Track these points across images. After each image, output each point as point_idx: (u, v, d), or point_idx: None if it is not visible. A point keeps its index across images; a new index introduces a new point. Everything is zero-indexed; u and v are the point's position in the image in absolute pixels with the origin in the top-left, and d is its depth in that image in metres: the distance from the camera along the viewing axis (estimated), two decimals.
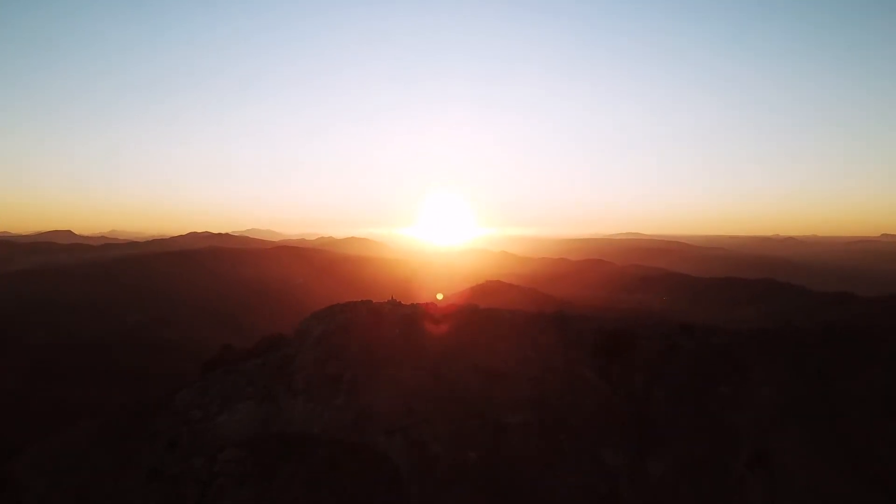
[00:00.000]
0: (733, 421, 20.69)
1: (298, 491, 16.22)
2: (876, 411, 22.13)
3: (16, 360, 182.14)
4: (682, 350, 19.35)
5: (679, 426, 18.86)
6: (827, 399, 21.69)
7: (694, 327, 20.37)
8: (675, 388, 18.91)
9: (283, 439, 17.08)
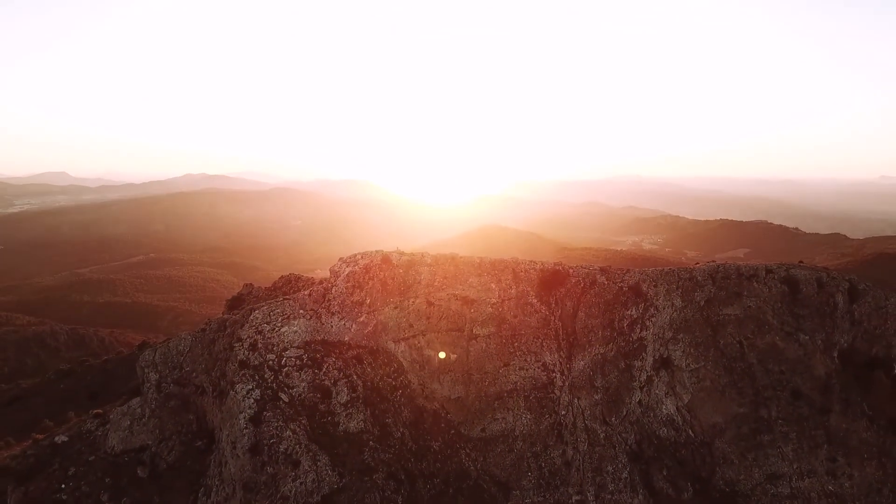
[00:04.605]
0: (640, 335, 28.91)
1: (337, 375, 24.67)
2: (748, 330, 30.43)
3: (24, 296, 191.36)
4: (599, 284, 27.33)
5: (595, 337, 27.15)
6: (710, 321, 29.88)
7: (610, 269, 28.20)
8: (593, 311, 27.05)
9: (325, 343, 25.37)
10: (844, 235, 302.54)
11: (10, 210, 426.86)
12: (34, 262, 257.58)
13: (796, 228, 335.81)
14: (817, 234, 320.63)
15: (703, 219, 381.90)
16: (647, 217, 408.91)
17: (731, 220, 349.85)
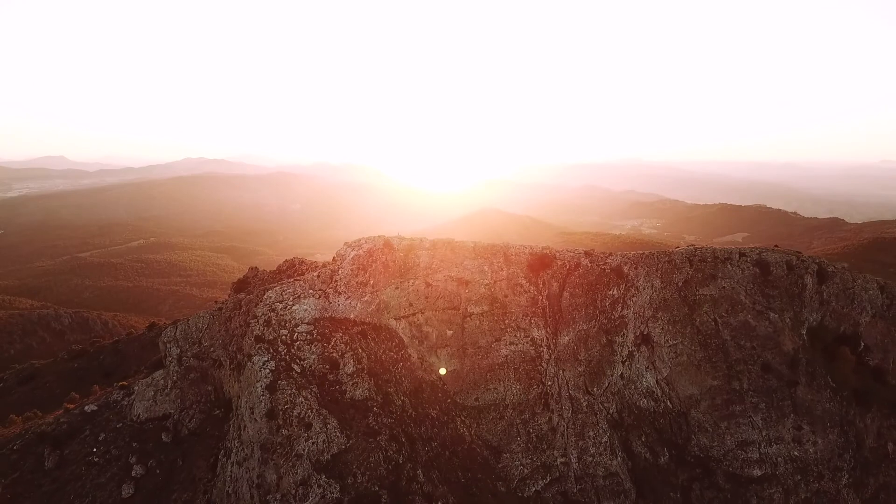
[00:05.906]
0: (622, 314, 31.37)
1: (343, 348, 27.13)
2: (722, 309, 32.87)
3: (26, 280, 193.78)
4: (583, 267, 29.71)
5: (579, 315, 29.60)
6: (687, 300, 32.31)
7: (594, 253, 30.55)
8: (577, 291, 29.47)
9: (332, 320, 27.82)
10: (843, 220, 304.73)
11: (10, 194, 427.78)
12: (34, 246, 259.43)
13: (795, 212, 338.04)
14: (816, 218, 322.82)
15: (702, 203, 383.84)
16: (646, 201, 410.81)
17: (730, 205, 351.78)
